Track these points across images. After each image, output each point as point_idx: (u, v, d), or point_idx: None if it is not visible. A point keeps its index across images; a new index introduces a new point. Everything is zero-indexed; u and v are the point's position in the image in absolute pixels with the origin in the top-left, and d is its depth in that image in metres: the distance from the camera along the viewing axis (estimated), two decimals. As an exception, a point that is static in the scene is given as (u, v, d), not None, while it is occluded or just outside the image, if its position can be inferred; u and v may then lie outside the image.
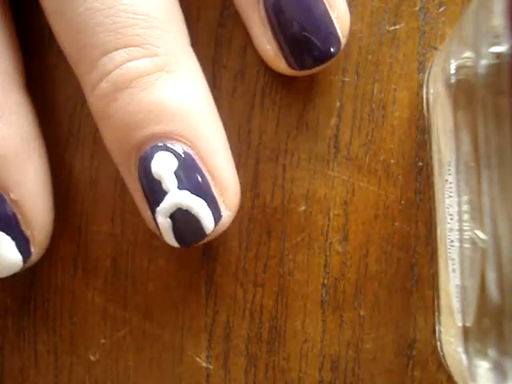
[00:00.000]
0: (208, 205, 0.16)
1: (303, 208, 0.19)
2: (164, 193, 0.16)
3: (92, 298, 0.19)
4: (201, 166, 0.16)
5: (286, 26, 0.17)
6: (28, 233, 0.17)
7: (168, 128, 0.16)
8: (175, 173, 0.16)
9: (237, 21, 0.19)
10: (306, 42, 0.17)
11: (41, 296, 0.20)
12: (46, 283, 0.20)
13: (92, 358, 0.20)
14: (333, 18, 0.17)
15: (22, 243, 0.17)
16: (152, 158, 0.16)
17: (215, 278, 0.19)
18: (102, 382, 0.19)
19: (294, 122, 0.19)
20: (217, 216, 0.17)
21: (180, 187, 0.16)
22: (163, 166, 0.16)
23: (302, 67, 0.18)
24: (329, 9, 0.17)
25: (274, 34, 0.18)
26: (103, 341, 0.20)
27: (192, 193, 0.16)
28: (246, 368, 0.19)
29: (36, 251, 0.18)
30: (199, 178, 0.16)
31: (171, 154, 0.16)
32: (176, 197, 0.16)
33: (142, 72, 0.16)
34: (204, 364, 0.19)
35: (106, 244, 0.19)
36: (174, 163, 0.16)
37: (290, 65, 0.18)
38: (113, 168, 0.18)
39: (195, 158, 0.16)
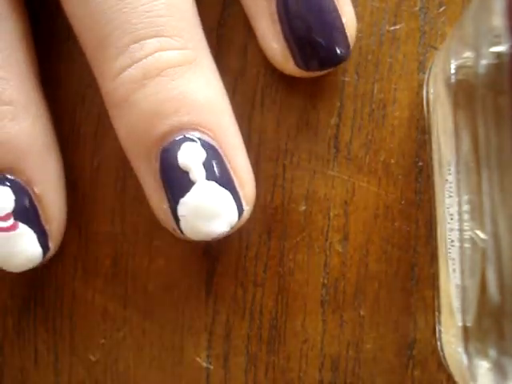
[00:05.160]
0: (233, 197, 0.16)
1: (303, 208, 0.19)
2: (191, 183, 0.16)
3: (92, 298, 0.19)
4: (225, 160, 0.17)
5: (297, 25, 0.17)
6: (47, 227, 0.17)
7: (196, 119, 0.16)
8: (203, 163, 0.16)
9: (237, 20, 0.19)
10: (316, 44, 0.17)
11: (41, 296, 0.20)
12: (46, 283, 0.20)
13: (92, 358, 0.20)
14: (344, 23, 0.17)
15: (42, 237, 0.17)
16: (179, 149, 0.16)
17: (215, 278, 0.19)
18: (101, 382, 0.19)
19: (294, 121, 0.19)
20: (240, 209, 0.17)
21: (208, 178, 0.16)
22: (192, 157, 0.16)
23: (310, 68, 0.18)
24: (340, 14, 0.17)
25: (284, 33, 0.17)
26: (103, 341, 0.19)
27: (219, 184, 0.16)
28: (246, 368, 0.19)
29: (53, 246, 0.18)
30: (224, 171, 0.16)
31: (200, 145, 0.16)
32: (204, 187, 0.16)
33: (173, 63, 0.16)
34: (204, 364, 0.19)
35: (106, 244, 0.19)
36: (202, 154, 0.16)
37: (297, 65, 0.18)
38: (113, 167, 0.18)
39: (220, 150, 0.16)
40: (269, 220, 0.19)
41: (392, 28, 0.19)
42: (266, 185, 0.19)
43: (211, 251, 0.19)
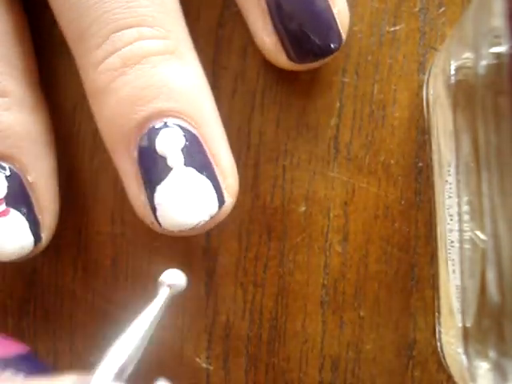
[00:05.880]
0: (213, 186, 0.16)
1: (303, 208, 0.19)
2: (168, 169, 0.16)
3: (92, 299, 0.19)
4: (205, 148, 0.16)
5: (287, 19, 0.17)
6: (40, 217, 0.17)
7: (176, 105, 0.16)
8: (182, 150, 0.16)
9: (237, 21, 0.19)
10: (307, 36, 0.17)
11: (41, 296, 0.20)
12: (46, 283, 0.20)
13: (92, 358, 0.20)
14: (334, 13, 0.17)
15: (34, 226, 0.17)
16: (157, 135, 0.16)
17: (215, 278, 0.19)
18: (101, 382, 0.19)
19: (294, 122, 0.19)
20: (221, 200, 0.17)
21: (186, 164, 0.16)
22: (170, 142, 0.16)
23: (302, 61, 0.18)
24: (331, 4, 0.17)
25: (275, 26, 0.17)
26: (103, 341, 0.19)
27: (198, 171, 0.16)
28: (246, 368, 0.19)
29: (45, 237, 0.18)
30: (204, 159, 0.16)
31: (179, 131, 0.16)
32: (182, 173, 0.16)
33: (153, 51, 0.16)
34: (204, 364, 0.19)
35: (106, 244, 0.19)
36: (181, 140, 0.16)
37: (290, 58, 0.18)
38: (113, 168, 0.18)
39: (200, 139, 0.16)
40: (269, 220, 0.19)
41: (392, 29, 0.19)
42: (265, 185, 0.19)
43: (211, 251, 0.19)
